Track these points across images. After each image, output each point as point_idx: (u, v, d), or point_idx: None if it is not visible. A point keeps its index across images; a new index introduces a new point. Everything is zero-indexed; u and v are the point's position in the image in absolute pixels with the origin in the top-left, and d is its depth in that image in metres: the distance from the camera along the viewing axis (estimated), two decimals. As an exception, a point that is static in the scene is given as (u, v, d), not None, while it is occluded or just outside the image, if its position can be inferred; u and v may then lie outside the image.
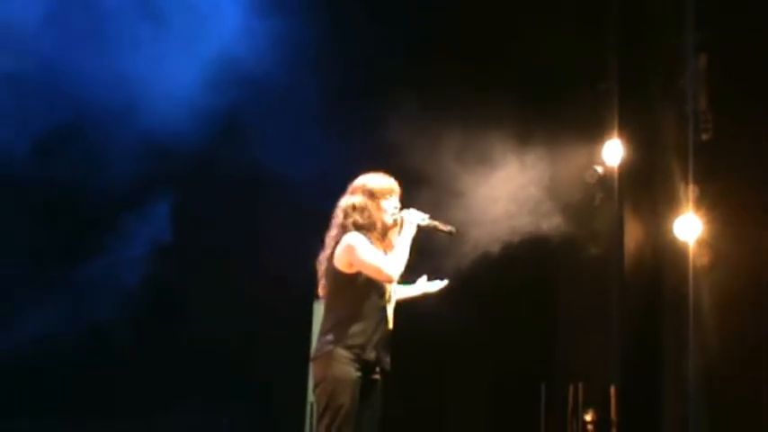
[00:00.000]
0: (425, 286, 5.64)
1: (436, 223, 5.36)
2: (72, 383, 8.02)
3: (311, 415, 7.93)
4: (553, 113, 8.36)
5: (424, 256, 5.68)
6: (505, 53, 8.53)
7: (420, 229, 5.31)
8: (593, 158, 8.60)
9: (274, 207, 7.84)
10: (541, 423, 8.65)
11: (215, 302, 8.22)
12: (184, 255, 8.13)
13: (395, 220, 5.28)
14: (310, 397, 7.77)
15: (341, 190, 5.36)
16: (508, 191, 7.38)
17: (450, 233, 5.42)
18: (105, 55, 7.50)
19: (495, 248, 7.28)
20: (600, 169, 8.57)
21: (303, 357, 7.40)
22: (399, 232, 5.28)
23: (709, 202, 8.13)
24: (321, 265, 5.29)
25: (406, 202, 5.61)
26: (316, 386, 5.19)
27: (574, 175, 8.19)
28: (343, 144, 7.59)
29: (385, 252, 5.23)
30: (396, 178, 5.55)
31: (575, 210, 7.94)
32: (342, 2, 8.35)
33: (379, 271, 5.13)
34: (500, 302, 8.76)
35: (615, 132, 8.65)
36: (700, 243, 8.09)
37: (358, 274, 5.17)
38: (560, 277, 9.00)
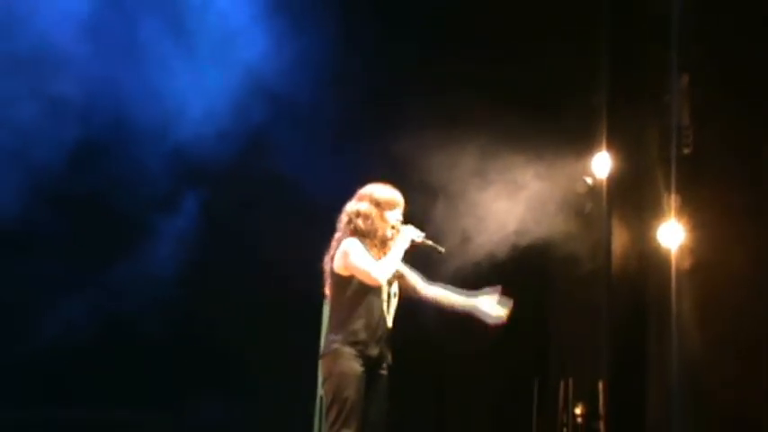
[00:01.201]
0: (484, 306, 5.75)
1: (429, 242, 5.62)
2: (103, 375, 8.24)
3: (320, 408, 7.83)
4: (545, 127, 8.44)
5: (426, 262, 5.99)
6: (501, 69, 8.68)
7: (414, 244, 5.56)
8: (583, 170, 8.79)
9: (292, 214, 8.05)
10: (534, 416, 8.84)
11: (236, 301, 8.44)
12: (209, 257, 8.39)
13: (393, 233, 5.53)
14: (320, 391, 7.55)
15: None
16: (503, 200, 7.73)
17: (439, 252, 5.66)
18: (139, 72, 7.78)
19: (491, 254, 7.63)
20: (589, 180, 8.78)
21: (313, 353, 7.73)
22: (395, 243, 5.51)
23: (691, 210, 8.36)
24: (326, 266, 5.56)
25: (406, 211, 5.89)
26: (324, 381, 5.45)
27: (565, 186, 8.37)
28: (357, 155, 7.88)
29: (378, 258, 5.44)
30: (397, 188, 5.77)
31: (566, 218, 8.17)
32: (359, 19, 8.56)
33: (367, 275, 5.37)
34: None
35: (604, 145, 8.84)
36: (682, 248, 8.33)
37: (353, 277, 5.42)
38: (552, 280, 9.16)
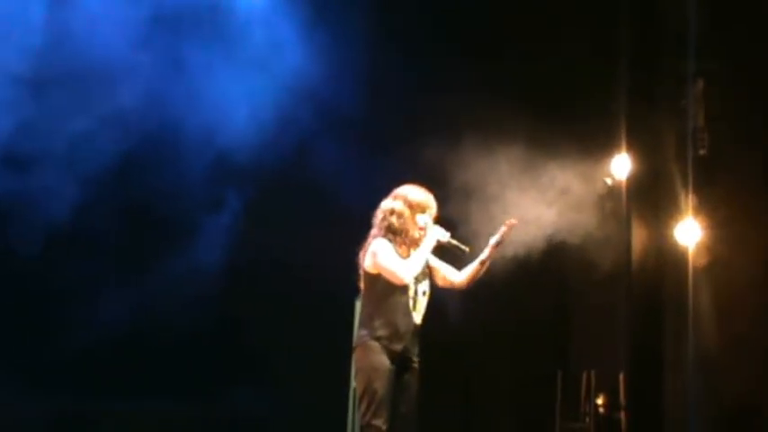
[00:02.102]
0: (492, 241, 5.74)
1: (454, 241, 5.72)
2: (144, 367, 8.49)
3: (353, 398, 8.10)
4: (567, 130, 8.54)
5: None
6: (526, 75, 8.90)
7: (440, 244, 5.68)
8: (604, 171, 8.95)
9: (327, 218, 8.25)
10: (558, 406, 9.05)
11: (272, 299, 8.65)
12: (249, 257, 8.61)
13: (422, 233, 5.65)
14: (353, 382, 7.82)
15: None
16: (526, 200, 7.69)
17: (463, 251, 5.75)
18: (185, 82, 8.02)
19: (517, 252, 7.52)
20: (609, 181, 8.94)
21: (344, 348, 8.10)
22: (422, 243, 5.63)
23: (707, 209, 8.57)
24: (360, 261, 5.69)
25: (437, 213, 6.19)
26: (355, 374, 5.64)
27: (585, 187, 8.22)
28: (390, 161, 8.08)
29: (406, 257, 5.58)
30: (428, 191, 5.98)
31: (587, 217, 8.10)
32: (397, 28, 8.79)
33: (393, 274, 5.50)
34: (522, 300, 9.01)
35: (623, 147, 9.06)
36: (698, 246, 8.55)
37: (380, 275, 5.56)
38: (574, 277, 9.26)
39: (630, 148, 9.11)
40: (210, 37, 8.25)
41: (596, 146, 8.97)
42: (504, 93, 8.72)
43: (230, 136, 8.20)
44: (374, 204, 5.80)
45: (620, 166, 9.09)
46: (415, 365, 5.65)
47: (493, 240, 5.81)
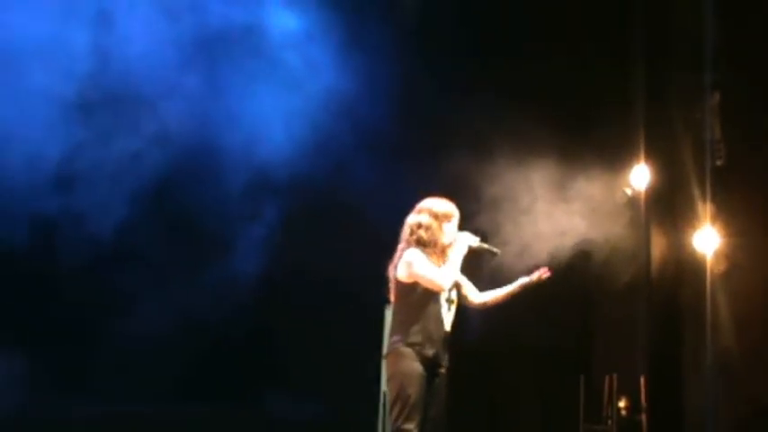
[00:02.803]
0: (521, 281, 5.99)
1: (484, 245, 5.91)
2: (184, 373, 8.77)
3: (384, 403, 8.25)
4: (587, 142, 8.83)
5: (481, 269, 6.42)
6: (546, 89, 9.06)
7: (470, 249, 5.84)
8: (623, 182, 9.13)
9: (360, 231, 8.40)
10: (581, 409, 9.13)
11: (306, 308, 8.87)
12: (285, 266, 8.83)
13: (451, 241, 5.80)
14: (383, 387, 8.19)
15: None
16: (550, 211, 8.03)
17: (494, 254, 5.95)
18: (224, 100, 8.30)
19: (540, 260, 7.55)
20: (629, 191, 9.12)
21: (373, 354, 8.08)
22: (453, 250, 5.77)
23: (725, 218, 8.72)
24: (390, 273, 5.82)
25: (463, 224, 6.34)
26: (388, 380, 5.74)
27: (606, 197, 8.48)
28: (416, 176, 8.25)
29: (439, 266, 5.70)
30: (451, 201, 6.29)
31: (607, 226, 8.28)
32: (428, 47, 9.01)
33: (431, 282, 5.63)
34: (545, 306, 8.83)
35: (642, 158, 9.22)
36: (716, 254, 8.69)
37: (416, 284, 5.67)
38: (596, 284, 9.35)
39: (649, 159, 9.26)
40: (248, 57, 8.47)
41: (615, 157, 9.15)
42: (528, 108, 8.87)
43: (267, 153, 8.43)
44: (405, 217, 5.97)
45: (639, 176, 9.25)
46: (443, 371, 5.79)
47: (522, 281, 6.06)
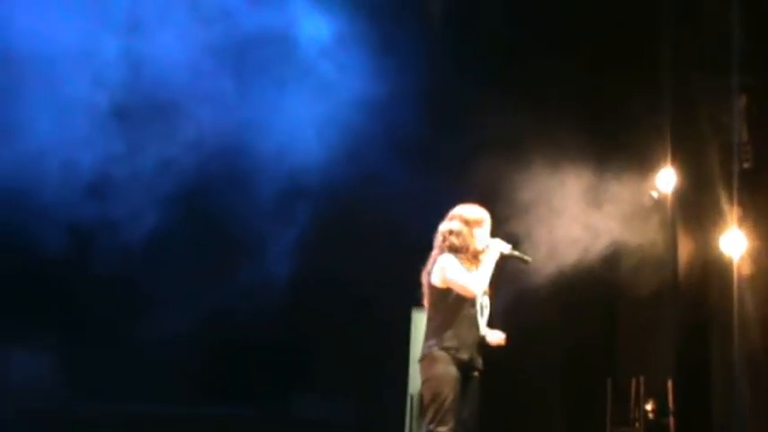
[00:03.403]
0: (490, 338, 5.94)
1: (516, 252, 5.94)
2: (211, 374, 8.93)
3: (411, 405, 8.50)
4: (616, 147, 8.94)
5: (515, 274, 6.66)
6: (574, 93, 9.22)
7: (502, 256, 5.88)
8: (650, 185, 9.18)
9: (391, 235, 8.52)
10: (608, 411, 9.20)
11: (336, 311, 8.94)
12: (315, 270, 8.92)
13: (484, 246, 5.84)
14: (411, 390, 8.43)
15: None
16: (578, 214, 8.16)
17: (526, 262, 5.99)
18: (256, 106, 8.40)
19: (567, 263, 8.07)
20: (655, 194, 9.18)
21: (403, 357, 8.35)
22: (486, 256, 5.82)
23: (751, 221, 8.75)
24: (424, 279, 5.88)
25: (496, 231, 6.40)
26: (423, 383, 5.73)
27: (633, 200, 8.58)
28: (447, 182, 8.38)
29: (471, 271, 5.75)
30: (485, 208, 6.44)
31: (634, 229, 8.41)
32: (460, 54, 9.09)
33: (464, 288, 5.70)
34: (571, 309, 9.28)
35: (669, 162, 9.24)
36: (743, 257, 8.71)
37: (449, 290, 5.72)
38: (622, 288, 9.42)
39: (676, 162, 9.32)
40: (280, 64, 8.58)
41: (642, 160, 9.21)
42: (556, 112, 9.00)
43: (299, 158, 8.54)
44: (436, 223, 6.05)
45: (666, 179, 9.31)
46: (476, 375, 5.85)
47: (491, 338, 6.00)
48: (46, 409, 8.36)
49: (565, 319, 9.48)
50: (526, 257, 6.04)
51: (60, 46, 7.66)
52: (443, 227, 5.96)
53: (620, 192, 8.54)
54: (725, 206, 8.93)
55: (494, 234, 6.08)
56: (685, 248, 9.28)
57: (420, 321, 7.10)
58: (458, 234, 5.86)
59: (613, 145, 9.00)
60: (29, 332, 8.25)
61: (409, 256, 6.11)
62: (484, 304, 5.92)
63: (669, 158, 9.32)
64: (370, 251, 8.73)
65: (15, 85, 7.57)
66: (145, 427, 8.72)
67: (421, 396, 5.86)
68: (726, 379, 8.88)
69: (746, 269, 8.79)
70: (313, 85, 8.54)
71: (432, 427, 5.63)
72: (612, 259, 8.65)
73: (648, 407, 9.13)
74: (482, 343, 5.89)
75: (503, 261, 5.98)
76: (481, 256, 5.88)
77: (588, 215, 8.30)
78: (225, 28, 8.30)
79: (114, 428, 8.69)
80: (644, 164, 9.24)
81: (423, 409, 5.79)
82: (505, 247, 5.95)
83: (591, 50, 9.30)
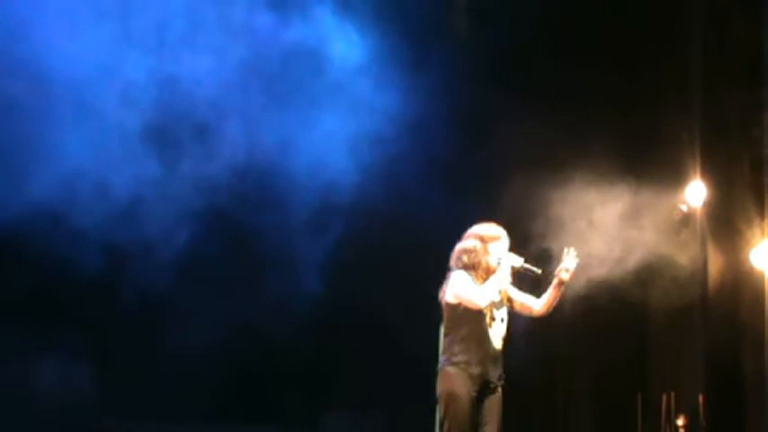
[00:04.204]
0: (561, 270, 5.95)
1: (526, 265, 5.97)
2: (242, 391, 8.98)
3: (438, 422, 8.62)
4: (645, 161, 8.92)
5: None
6: (606, 111, 9.23)
7: (514, 270, 5.95)
8: (679, 199, 9.13)
9: (421, 251, 8.24)
10: (639, 427, 9.12)
11: (363, 331, 8.97)
12: (344, 286, 8.96)
13: (497, 263, 5.90)
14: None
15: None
16: (606, 228, 8.05)
17: (538, 275, 6.01)
18: (285, 118, 8.45)
19: (597, 278, 7.86)
20: (684, 208, 9.13)
21: (432, 375, 8.56)
22: (497, 271, 5.87)
23: None
24: (441, 298, 5.97)
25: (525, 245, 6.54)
26: (437, 399, 5.87)
27: (662, 214, 8.56)
28: (474, 198, 8.48)
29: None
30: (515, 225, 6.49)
31: (664, 243, 8.44)
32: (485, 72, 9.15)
33: (469, 301, 5.76)
34: (602, 325, 9.24)
35: (698, 175, 9.21)
36: None
37: (460, 305, 5.81)
38: (653, 302, 9.34)
39: (705, 175, 9.30)
40: (313, 81, 8.63)
41: (672, 174, 9.21)
42: (586, 126, 9.05)
43: (331, 175, 8.59)
44: (448, 233, 6.16)
45: (695, 193, 9.27)
46: (497, 388, 5.88)
47: (560, 271, 6.03)
48: (75, 424, 8.44)
49: (595, 334, 9.46)
50: (537, 270, 6.05)
51: (90, 66, 7.75)
52: (458, 246, 6.04)
53: (650, 206, 8.51)
54: (755, 219, 8.92)
55: (523, 252, 6.11)
56: (716, 262, 9.23)
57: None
58: (471, 251, 5.95)
59: (642, 159, 9.01)
60: (62, 349, 8.33)
61: (441, 274, 6.12)
62: (501, 317, 5.94)
63: (699, 172, 9.30)
64: (402, 269, 8.77)
65: (46, 108, 7.64)
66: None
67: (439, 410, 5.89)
68: (758, 394, 8.86)
69: (779, 283, 8.71)
70: (345, 103, 8.57)
71: None
72: (642, 273, 8.48)
73: (680, 422, 9.06)
74: (498, 356, 5.89)
75: (516, 274, 6.02)
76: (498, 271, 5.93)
77: (617, 230, 8.22)
78: (256, 45, 8.32)
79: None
80: (673, 177, 9.23)
81: (440, 425, 5.83)
82: (517, 261, 6.00)
83: (621, 65, 9.31)
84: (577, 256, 6.07)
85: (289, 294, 8.71)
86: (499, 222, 7.82)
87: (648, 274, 8.70)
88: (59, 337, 8.27)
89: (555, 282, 6.03)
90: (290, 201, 8.54)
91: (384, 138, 8.52)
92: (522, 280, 6.15)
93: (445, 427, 5.72)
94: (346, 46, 8.60)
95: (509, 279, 6.02)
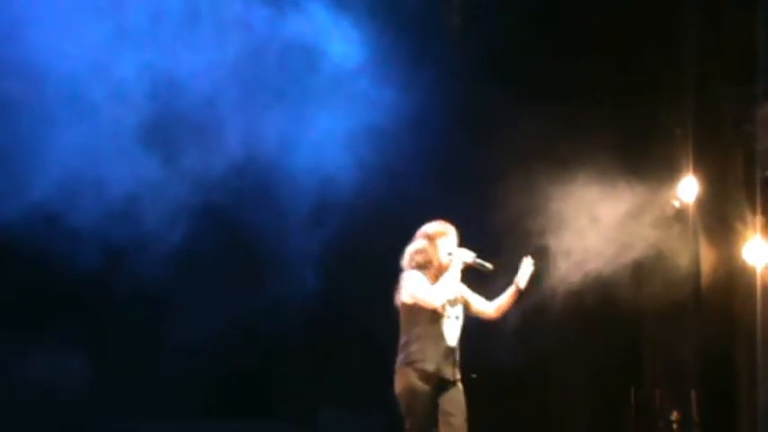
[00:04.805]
0: (518, 278, 6.06)
1: (480, 260, 6.02)
2: (240, 387, 8.97)
3: None
4: (637, 155, 8.92)
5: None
6: (601, 107, 9.20)
7: (467, 265, 5.99)
8: (672, 194, 9.14)
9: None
10: (631, 422, 9.25)
11: (361, 328, 8.80)
12: (341, 284, 8.95)
13: (449, 259, 5.95)
14: None
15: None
16: (599, 224, 8.21)
17: (489, 270, 6.04)
18: (283, 115, 8.38)
19: (590, 274, 8.17)
20: (677, 203, 9.13)
21: None
22: (450, 268, 5.93)
23: None
24: (397, 300, 6.07)
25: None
26: (396, 398, 5.93)
27: (655, 209, 8.63)
28: (473, 195, 8.51)
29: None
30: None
31: (657, 239, 8.54)
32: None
33: (423, 300, 5.84)
34: (595, 320, 9.24)
35: (690, 171, 9.20)
36: (767, 266, 8.68)
37: (415, 304, 5.90)
38: (645, 297, 9.29)
39: (698, 171, 9.29)
40: (311, 77, 8.58)
41: (664, 169, 9.21)
42: (577, 121, 9.00)
43: (329, 172, 8.54)
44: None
45: (687, 188, 9.27)
46: (456, 383, 5.94)
47: (520, 276, 6.13)
48: (71, 420, 8.43)
49: (588, 330, 9.46)
50: (488, 265, 6.08)
51: (84, 63, 7.69)
52: (409, 248, 6.10)
53: (643, 201, 8.56)
54: (748, 215, 8.92)
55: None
56: (708, 258, 9.23)
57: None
58: (421, 251, 6.02)
59: (635, 154, 9.01)
60: (60, 344, 8.29)
61: (466, 270, 6.10)
62: (454, 315, 5.98)
63: (691, 167, 9.29)
64: (396, 265, 8.74)
65: (40, 105, 7.60)
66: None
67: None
68: (750, 390, 8.85)
69: (770, 278, 8.72)
70: (343, 99, 8.53)
71: None
72: (635, 269, 8.66)
73: (673, 417, 9.12)
74: (453, 353, 5.93)
75: (468, 270, 6.06)
76: (450, 268, 5.98)
77: (610, 225, 8.32)
78: (252, 41, 8.28)
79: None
80: (666, 173, 9.23)
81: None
82: (469, 256, 6.03)
83: (615, 60, 9.30)
84: (534, 264, 6.17)
85: (287, 291, 8.70)
86: (495, 217, 7.91)
87: (641, 270, 8.83)
88: (53, 334, 8.23)
89: (512, 289, 6.13)
90: (287, 197, 8.51)
91: (382, 133, 8.49)
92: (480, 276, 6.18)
93: (407, 425, 5.81)
94: (343, 42, 8.55)
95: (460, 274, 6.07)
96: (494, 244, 7.23)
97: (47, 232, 7.66)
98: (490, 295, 6.29)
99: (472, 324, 6.59)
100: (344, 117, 8.43)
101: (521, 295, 6.20)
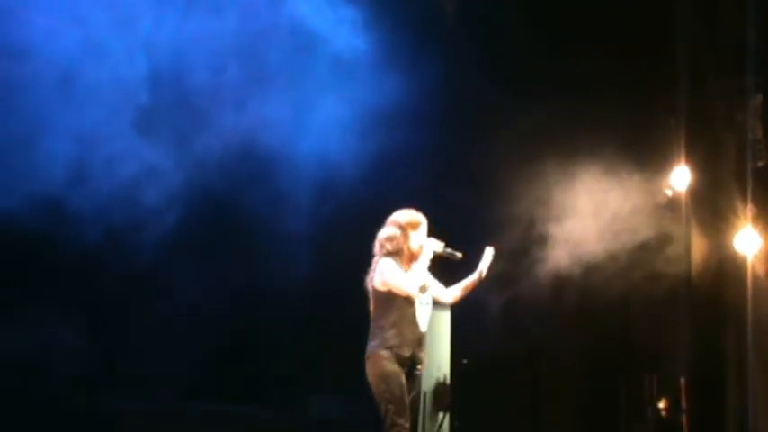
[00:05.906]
0: (481, 267, 6.15)
1: (448, 250, 6.12)
2: (230, 372, 8.94)
3: (424, 403, 8.32)
4: (630, 145, 8.96)
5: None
6: (594, 97, 9.16)
7: (436, 254, 6.10)
8: (664, 183, 9.23)
9: None
10: (621, 409, 9.34)
11: (352, 314, 8.72)
12: (333, 271, 8.66)
13: (419, 248, 6.06)
14: (424, 387, 8.19)
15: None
16: (591, 212, 8.37)
17: (457, 258, 6.13)
18: (279, 104, 8.34)
19: (581, 262, 8.34)
20: (669, 192, 9.22)
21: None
22: (421, 256, 6.04)
23: (766, 219, 8.82)
24: (368, 285, 6.15)
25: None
26: (370, 382, 5.98)
27: (647, 198, 8.76)
28: (469, 185, 8.53)
29: (407, 272, 6.01)
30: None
31: (648, 228, 8.66)
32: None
33: (399, 288, 5.98)
34: (585, 308, 9.33)
35: (683, 160, 9.27)
36: (757, 255, 8.76)
37: (390, 291, 6.00)
38: (636, 285, 9.18)
39: (690, 160, 9.35)
40: (306, 67, 8.60)
41: (657, 159, 9.28)
42: (572, 112, 9.03)
43: (325, 156, 8.56)
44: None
45: (680, 178, 9.35)
46: (419, 370, 6.12)
47: (481, 265, 6.22)
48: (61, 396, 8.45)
49: (578, 318, 9.52)
50: (457, 254, 6.16)
51: (78, 44, 7.66)
52: (380, 234, 6.19)
53: (635, 190, 8.68)
54: (739, 204, 8.98)
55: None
56: (699, 247, 9.30)
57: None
58: (393, 239, 6.11)
59: (628, 144, 9.04)
60: (59, 319, 8.29)
61: (435, 259, 6.20)
62: (424, 301, 6.11)
63: (683, 157, 9.34)
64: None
65: (33, 84, 7.58)
66: (160, 423, 8.78)
67: (373, 394, 6.01)
68: (739, 377, 8.93)
69: (761, 267, 8.83)
70: (340, 86, 8.54)
71: (390, 421, 5.87)
72: (627, 258, 8.69)
73: (662, 405, 9.18)
74: (423, 339, 6.08)
75: (437, 259, 6.16)
76: (420, 256, 6.09)
77: (602, 213, 8.45)
78: (253, 24, 8.26)
79: (131, 425, 8.75)
80: (659, 162, 9.29)
81: (377, 407, 5.95)
82: (438, 246, 6.14)
83: (608, 52, 9.31)
84: (494, 254, 6.23)
85: (279, 276, 8.76)
86: (491, 206, 7.94)
87: (632, 258, 8.81)
88: (43, 314, 8.23)
89: (474, 277, 6.23)
90: (283, 182, 8.54)
91: (384, 119, 8.52)
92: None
93: (383, 407, 5.89)
94: (346, 27, 8.55)
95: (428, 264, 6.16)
96: (492, 230, 7.33)
97: (41, 213, 7.64)
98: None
99: (463, 310, 6.66)
100: (346, 102, 8.45)
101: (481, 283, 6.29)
